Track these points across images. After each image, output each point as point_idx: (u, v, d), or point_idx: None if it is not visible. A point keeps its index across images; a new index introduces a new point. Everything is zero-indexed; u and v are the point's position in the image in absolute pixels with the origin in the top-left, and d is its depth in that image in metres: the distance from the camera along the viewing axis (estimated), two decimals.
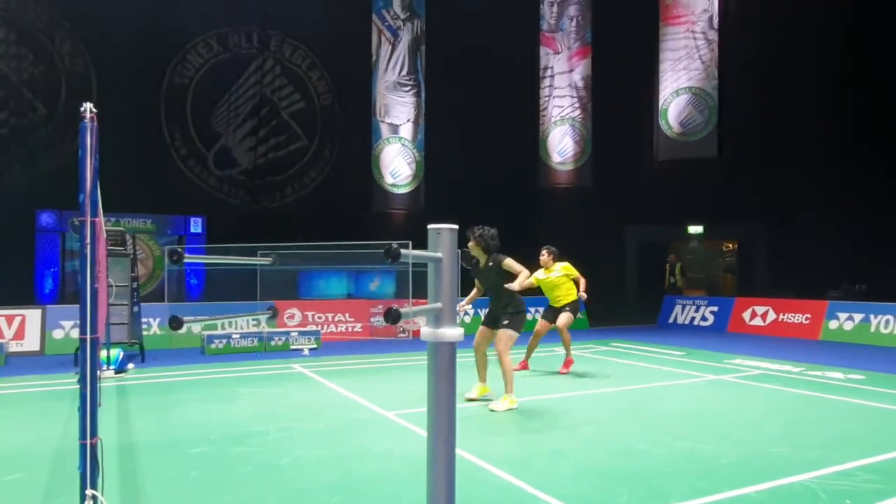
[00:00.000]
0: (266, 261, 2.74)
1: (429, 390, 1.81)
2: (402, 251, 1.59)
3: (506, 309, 6.46)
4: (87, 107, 3.09)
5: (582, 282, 8.72)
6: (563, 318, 8.60)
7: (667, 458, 4.76)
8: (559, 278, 8.69)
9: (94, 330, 3.11)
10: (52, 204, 13.57)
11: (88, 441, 3.08)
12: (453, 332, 1.74)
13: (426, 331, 1.75)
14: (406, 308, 1.67)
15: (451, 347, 1.76)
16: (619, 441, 5.22)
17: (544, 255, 8.72)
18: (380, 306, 13.03)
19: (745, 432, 5.52)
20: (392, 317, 1.61)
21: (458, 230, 1.74)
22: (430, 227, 1.73)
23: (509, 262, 6.34)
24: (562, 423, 5.89)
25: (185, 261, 2.27)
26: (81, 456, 3.11)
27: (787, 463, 4.62)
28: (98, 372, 4.38)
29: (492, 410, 6.26)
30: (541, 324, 8.84)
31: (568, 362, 8.78)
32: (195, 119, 15.59)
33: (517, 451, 4.95)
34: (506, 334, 6.40)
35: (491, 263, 6.42)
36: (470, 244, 6.40)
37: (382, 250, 1.58)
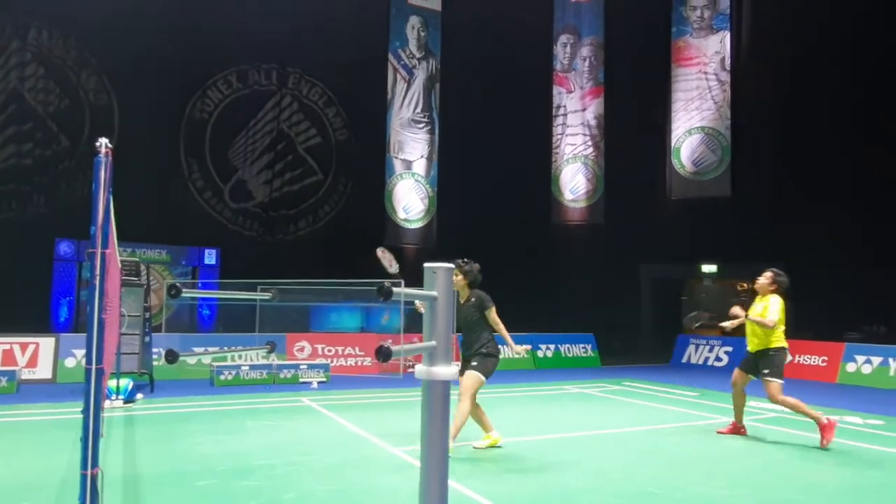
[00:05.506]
0: (266, 296, 2.77)
1: (422, 428, 1.79)
2: (395, 290, 1.60)
3: (478, 349, 6.01)
4: (103, 142, 3.18)
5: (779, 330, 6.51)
6: (773, 388, 6.50)
7: (681, 503, 4.64)
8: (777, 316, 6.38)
9: (99, 360, 3.14)
10: (71, 234, 13.82)
11: (89, 472, 3.08)
12: (447, 371, 1.73)
13: (420, 369, 1.75)
14: (398, 346, 1.67)
15: (445, 386, 1.75)
16: (631, 484, 5.10)
17: (767, 278, 6.54)
18: (389, 341, 13.00)
19: (762, 477, 5.38)
20: (383, 354, 1.61)
21: (453, 269, 1.75)
22: (426, 265, 1.74)
23: (494, 317, 6.02)
24: (572, 465, 5.78)
25: (183, 295, 2.30)
26: (82, 486, 3.11)
27: None
28: (104, 402, 4.39)
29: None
30: (737, 374, 7.12)
31: (826, 428, 6.39)
32: (213, 153, 15.92)
33: (526, 492, 4.86)
34: (474, 376, 5.92)
35: (473, 299, 6.09)
36: (457, 278, 6.00)
37: (376, 288, 1.58)
